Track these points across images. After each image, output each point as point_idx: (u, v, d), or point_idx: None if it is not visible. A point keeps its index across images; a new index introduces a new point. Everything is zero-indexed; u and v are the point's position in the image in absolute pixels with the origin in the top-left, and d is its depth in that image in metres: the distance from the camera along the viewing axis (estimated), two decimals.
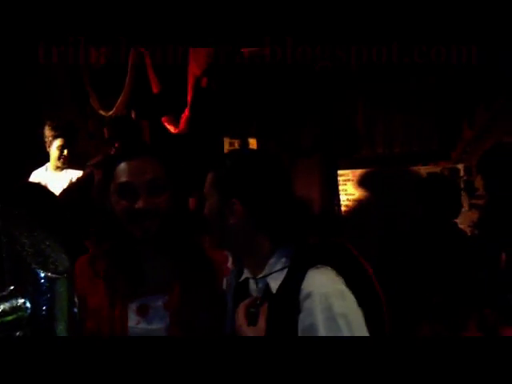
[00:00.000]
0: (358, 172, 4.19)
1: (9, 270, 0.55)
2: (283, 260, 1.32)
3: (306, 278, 1.25)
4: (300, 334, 1.23)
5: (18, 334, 0.53)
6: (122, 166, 1.45)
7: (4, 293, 0.53)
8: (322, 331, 1.20)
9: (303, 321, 1.23)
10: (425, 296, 1.28)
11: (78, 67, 4.46)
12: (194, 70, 4.05)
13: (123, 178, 1.43)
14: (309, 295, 1.23)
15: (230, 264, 1.53)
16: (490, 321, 1.08)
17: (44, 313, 0.52)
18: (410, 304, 1.40)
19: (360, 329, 1.23)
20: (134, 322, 1.42)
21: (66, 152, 3.41)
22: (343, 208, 4.16)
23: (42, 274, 0.53)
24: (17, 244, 0.54)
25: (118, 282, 1.43)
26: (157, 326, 1.42)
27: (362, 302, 1.25)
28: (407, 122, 4.12)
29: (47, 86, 4.44)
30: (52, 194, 1.84)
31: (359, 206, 4.14)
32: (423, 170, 4.01)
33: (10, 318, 0.52)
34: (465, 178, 3.86)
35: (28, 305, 0.53)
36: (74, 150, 3.44)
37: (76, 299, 0.57)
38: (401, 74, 3.89)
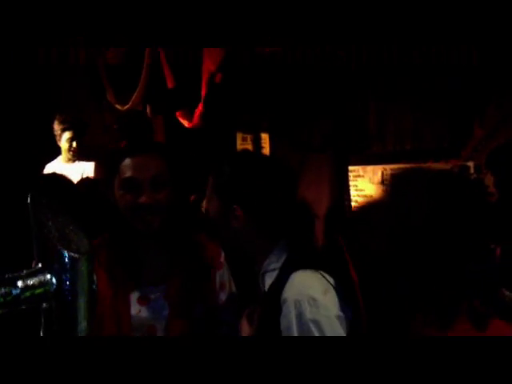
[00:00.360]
0: (369, 168, 4.24)
1: (37, 250, 0.63)
2: (278, 261, 1.38)
3: (288, 282, 1.32)
4: (282, 333, 1.30)
5: (44, 305, 0.61)
6: (127, 161, 1.51)
7: (33, 269, 0.61)
8: (295, 333, 1.27)
9: (281, 322, 1.30)
10: (421, 287, 1.34)
11: (95, 63, 4.56)
12: (208, 65, 4.12)
13: (128, 174, 1.49)
14: (285, 300, 1.30)
15: (222, 258, 1.62)
16: (479, 312, 1.14)
17: (67, 287, 0.60)
18: (412, 296, 1.46)
19: (334, 334, 1.27)
20: (136, 311, 1.50)
21: (75, 144, 3.52)
22: (353, 203, 4.21)
23: (66, 254, 0.60)
24: (44, 228, 0.62)
25: (118, 272, 1.50)
26: (157, 315, 1.50)
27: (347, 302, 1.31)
28: (418, 120, 4.14)
29: (64, 81, 4.54)
30: (72, 184, 1.93)
31: (369, 201, 4.19)
32: (434, 167, 4.04)
33: (38, 290, 0.59)
34: (474, 175, 3.88)
35: (54, 280, 0.60)
36: (82, 141, 3.54)
37: (95, 278, 0.64)
38: (412, 72, 3.92)
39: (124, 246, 1.53)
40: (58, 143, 3.55)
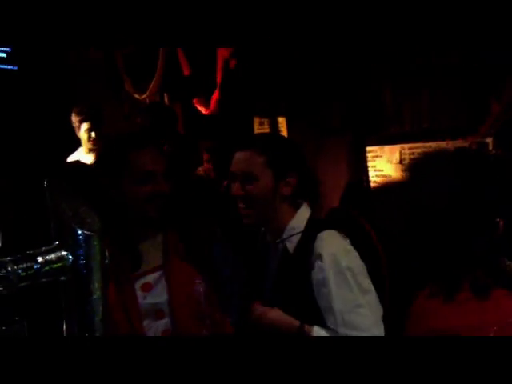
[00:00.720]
0: (387, 148, 4.24)
1: (54, 229, 0.70)
2: (299, 225, 1.56)
3: (316, 241, 1.49)
4: (314, 287, 1.46)
5: (62, 278, 0.67)
6: (141, 154, 1.58)
7: (51, 246, 0.68)
8: (333, 283, 1.43)
9: (316, 276, 1.47)
10: (431, 261, 1.39)
11: (113, 52, 4.64)
12: (222, 52, 4.16)
13: (146, 167, 1.56)
14: (320, 255, 1.46)
15: (219, 234, 1.69)
16: (481, 282, 1.18)
17: (82, 262, 0.67)
18: (421, 270, 1.51)
19: (364, 279, 1.46)
20: (141, 299, 1.57)
21: (93, 134, 3.56)
22: (372, 184, 4.23)
23: (80, 232, 0.67)
24: (60, 208, 0.69)
25: (120, 264, 1.57)
26: (161, 300, 1.58)
27: (363, 259, 1.42)
28: (435, 98, 4.12)
29: (82, 73, 4.63)
30: (91, 170, 2.01)
31: (388, 181, 4.20)
32: (451, 144, 4.02)
33: (56, 265, 0.66)
34: (493, 151, 3.85)
35: (70, 256, 0.67)
36: (101, 131, 3.58)
37: (107, 253, 0.71)
38: (428, 50, 3.90)
39: (123, 237, 1.60)
40: (77, 135, 3.61)
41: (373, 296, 1.47)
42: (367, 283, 1.46)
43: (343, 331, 1.40)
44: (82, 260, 0.67)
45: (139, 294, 1.57)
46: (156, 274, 1.59)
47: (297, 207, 1.59)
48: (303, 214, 1.59)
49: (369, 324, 1.43)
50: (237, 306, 1.64)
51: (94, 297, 0.67)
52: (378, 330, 1.43)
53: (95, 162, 1.69)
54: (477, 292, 1.16)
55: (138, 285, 1.58)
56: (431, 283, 1.26)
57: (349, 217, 1.63)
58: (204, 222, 1.72)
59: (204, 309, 1.59)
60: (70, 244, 0.67)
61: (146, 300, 1.57)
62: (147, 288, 1.58)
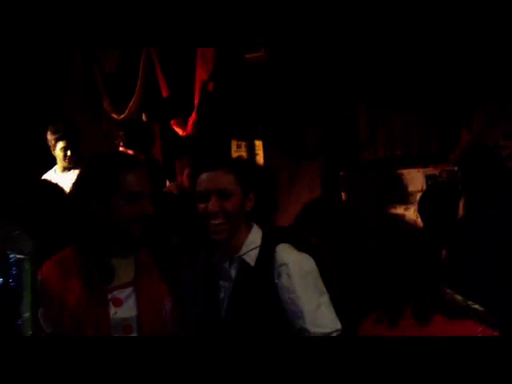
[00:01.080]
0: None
1: None
2: (256, 241, 1.68)
3: (276, 252, 1.63)
4: (280, 294, 1.59)
5: None
6: (131, 176, 1.63)
7: None
8: (299, 288, 1.58)
9: (282, 283, 1.60)
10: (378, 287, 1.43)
11: (92, 72, 4.67)
12: (201, 74, 4.21)
13: (138, 188, 1.63)
14: (285, 263, 1.61)
15: (188, 254, 1.73)
16: (422, 309, 1.22)
17: (12, 284, 0.70)
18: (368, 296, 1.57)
19: (320, 283, 1.62)
20: (112, 313, 1.59)
21: (69, 153, 3.56)
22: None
23: (12, 255, 0.70)
24: None
25: (92, 278, 1.58)
26: (130, 315, 1.61)
27: None
28: (408, 126, 4.22)
29: (62, 91, 4.65)
30: (57, 190, 2.02)
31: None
32: (423, 172, 4.12)
33: None
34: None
35: (0, 278, 0.70)
36: (77, 149, 3.59)
37: (38, 276, 0.73)
38: (401, 78, 4.01)
39: (97, 253, 1.61)
40: (53, 153, 3.61)
41: (327, 297, 1.62)
42: (322, 286, 1.62)
43: (312, 329, 1.55)
44: (13, 282, 0.69)
45: (110, 308, 1.59)
46: (127, 290, 1.62)
47: (250, 227, 1.72)
48: (257, 231, 1.71)
49: (329, 322, 1.57)
50: (193, 328, 1.67)
51: (23, 319, 0.69)
52: (338, 326, 1.57)
53: (80, 180, 1.69)
54: (418, 318, 1.20)
55: (109, 299, 1.60)
56: (378, 309, 1.30)
57: (295, 233, 1.74)
58: (177, 242, 1.77)
59: (170, 327, 1.62)
60: (1, 266, 0.70)
61: (117, 315, 1.59)
62: (118, 303, 1.60)
